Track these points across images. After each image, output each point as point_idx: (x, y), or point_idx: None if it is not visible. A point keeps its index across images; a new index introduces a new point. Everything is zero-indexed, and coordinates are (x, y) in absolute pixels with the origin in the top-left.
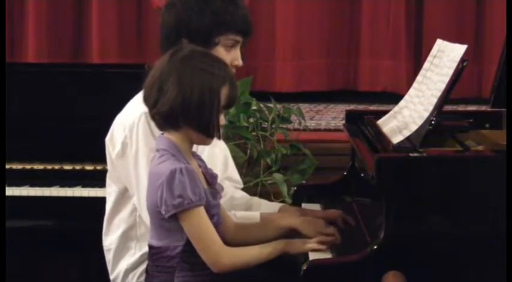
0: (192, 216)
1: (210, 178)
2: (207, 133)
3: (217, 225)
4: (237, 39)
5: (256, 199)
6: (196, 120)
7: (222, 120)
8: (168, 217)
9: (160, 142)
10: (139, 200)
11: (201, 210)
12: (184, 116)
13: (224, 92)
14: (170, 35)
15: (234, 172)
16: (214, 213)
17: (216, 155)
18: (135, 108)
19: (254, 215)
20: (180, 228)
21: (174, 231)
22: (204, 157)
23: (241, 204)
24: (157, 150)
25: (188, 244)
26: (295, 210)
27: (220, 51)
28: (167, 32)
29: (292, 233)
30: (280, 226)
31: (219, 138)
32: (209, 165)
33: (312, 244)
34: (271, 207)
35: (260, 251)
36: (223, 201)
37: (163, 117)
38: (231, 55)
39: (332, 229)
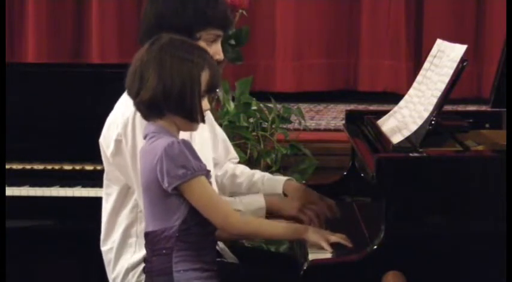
0: (196, 185)
1: None
2: (191, 118)
3: None
4: (218, 33)
5: (257, 175)
6: (179, 106)
7: (206, 105)
8: (171, 190)
9: (149, 128)
10: (140, 195)
11: (204, 178)
12: (166, 103)
13: (204, 77)
14: (151, 29)
15: (233, 151)
16: None
17: (206, 138)
18: (127, 106)
19: (259, 200)
20: (176, 207)
21: (169, 211)
22: (196, 143)
23: (243, 182)
24: (146, 136)
25: (184, 223)
26: (300, 186)
27: (202, 46)
28: (148, 26)
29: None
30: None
31: (203, 122)
32: (203, 149)
33: (326, 246)
34: (274, 185)
35: (275, 228)
36: (225, 179)
37: (147, 105)
38: (212, 50)
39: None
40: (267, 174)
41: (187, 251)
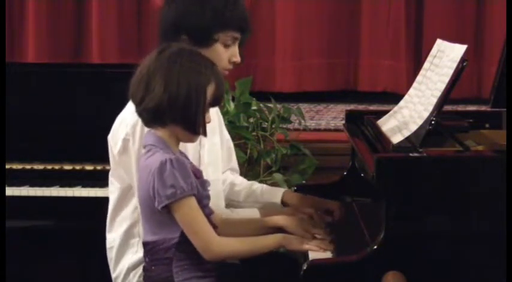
0: (184, 206)
1: (197, 172)
2: (193, 130)
3: (208, 216)
4: (235, 36)
5: (256, 185)
6: (182, 117)
7: (209, 117)
8: (161, 208)
9: (148, 138)
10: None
11: (193, 199)
12: (170, 113)
13: (210, 90)
14: (169, 31)
15: (235, 163)
16: (205, 203)
17: (216, 143)
18: None
19: (254, 212)
20: (174, 221)
21: (167, 223)
22: (205, 147)
23: (242, 190)
24: (145, 146)
25: (183, 235)
26: (298, 196)
27: (219, 48)
28: (166, 28)
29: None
30: (267, 225)
31: (204, 135)
32: (210, 153)
33: (309, 246)
34: (274, 193)
35: (254, 243)
36: (223, 188)
37: (150, 113)
38: (229, 52)
39: (319, 230)
40: (265, 185)
41: (187, 260)
